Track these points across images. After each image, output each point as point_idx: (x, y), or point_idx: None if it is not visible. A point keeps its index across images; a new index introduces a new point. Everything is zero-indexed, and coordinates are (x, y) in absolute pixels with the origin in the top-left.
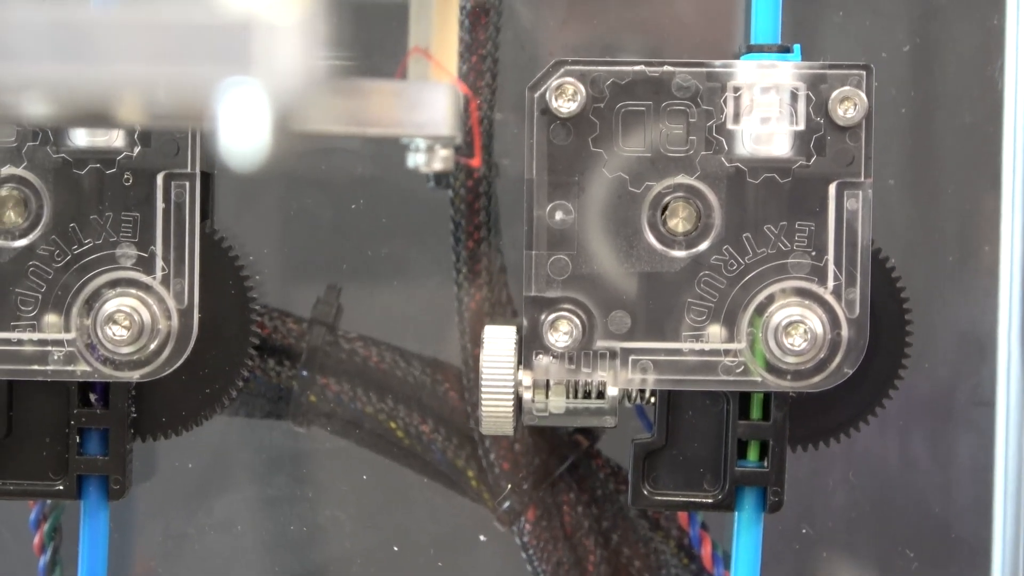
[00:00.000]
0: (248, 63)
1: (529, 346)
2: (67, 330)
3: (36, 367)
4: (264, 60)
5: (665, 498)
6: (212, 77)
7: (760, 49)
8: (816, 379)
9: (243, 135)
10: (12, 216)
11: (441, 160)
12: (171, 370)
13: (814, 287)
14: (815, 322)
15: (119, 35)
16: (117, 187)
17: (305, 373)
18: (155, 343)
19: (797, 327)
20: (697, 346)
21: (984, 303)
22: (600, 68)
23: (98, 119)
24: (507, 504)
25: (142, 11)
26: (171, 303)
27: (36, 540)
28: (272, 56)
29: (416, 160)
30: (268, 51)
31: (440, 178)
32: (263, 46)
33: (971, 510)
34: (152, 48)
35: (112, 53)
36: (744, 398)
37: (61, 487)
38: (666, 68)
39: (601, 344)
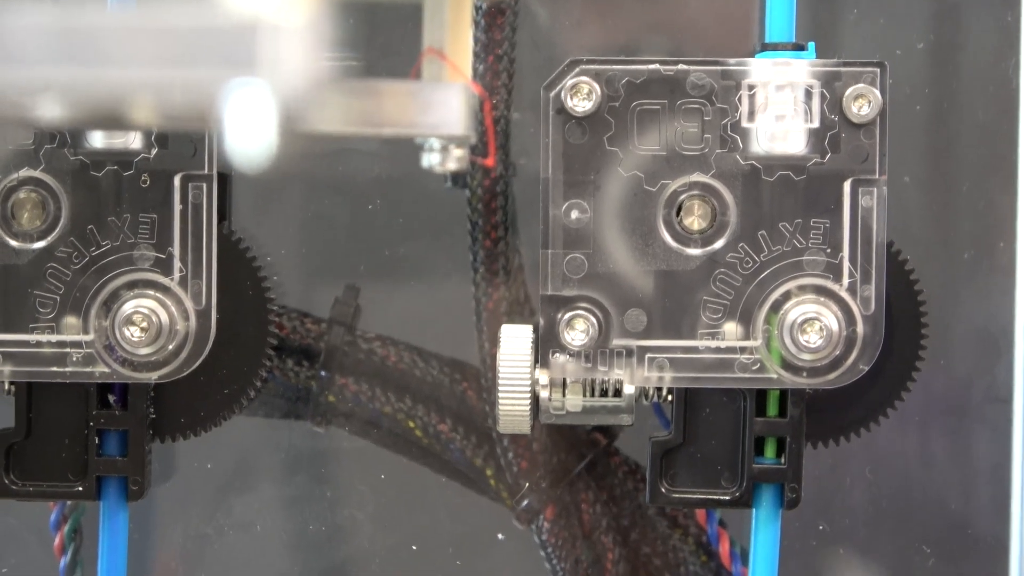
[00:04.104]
0: (254, 65)
1: (546, 345)
2: (85, 332)
3: (55, 369)
4: (270, 62)
5: (683, 496)
6: (219, 79)
7: (775, 47)
8: (832, 376)
9: (250, 136)
10: (30, 218)
11: (455, 160)
12: (189, 371)
13: (829, 284)
14: (831, 319)
15: (127, 39)
16: (134, 189)
17: (324, 373)
18: (173, 344)
19: (813, 324)
20: (713, 344)
21: (1000, 300)
22: (615, 67)
23: (108, 121)
24: (525, 503)
25: (149, 15)
26: (189, 304)
27: (57, 541)
28: (278, 58)
29: (430, 160)
30: (274, 53)
31: (457, 178)
32: (269, 48)
33: (988, 506)
34: (159, 51)
35: (121, 57)
36: (761, 395)
37: (81, 488)
38: (681, 67)
39: (617, 342)
